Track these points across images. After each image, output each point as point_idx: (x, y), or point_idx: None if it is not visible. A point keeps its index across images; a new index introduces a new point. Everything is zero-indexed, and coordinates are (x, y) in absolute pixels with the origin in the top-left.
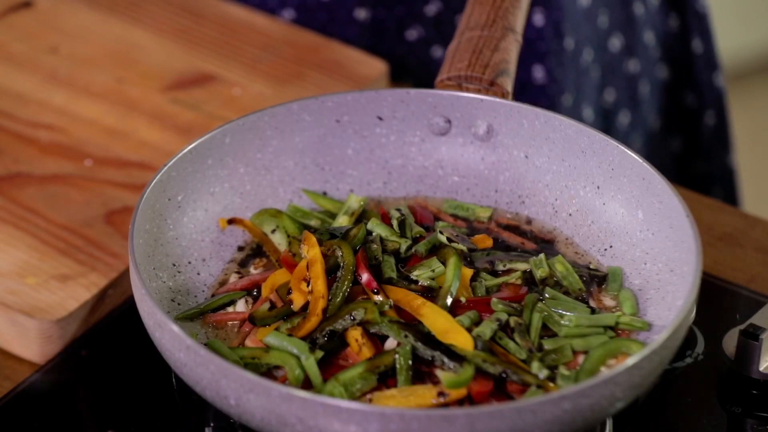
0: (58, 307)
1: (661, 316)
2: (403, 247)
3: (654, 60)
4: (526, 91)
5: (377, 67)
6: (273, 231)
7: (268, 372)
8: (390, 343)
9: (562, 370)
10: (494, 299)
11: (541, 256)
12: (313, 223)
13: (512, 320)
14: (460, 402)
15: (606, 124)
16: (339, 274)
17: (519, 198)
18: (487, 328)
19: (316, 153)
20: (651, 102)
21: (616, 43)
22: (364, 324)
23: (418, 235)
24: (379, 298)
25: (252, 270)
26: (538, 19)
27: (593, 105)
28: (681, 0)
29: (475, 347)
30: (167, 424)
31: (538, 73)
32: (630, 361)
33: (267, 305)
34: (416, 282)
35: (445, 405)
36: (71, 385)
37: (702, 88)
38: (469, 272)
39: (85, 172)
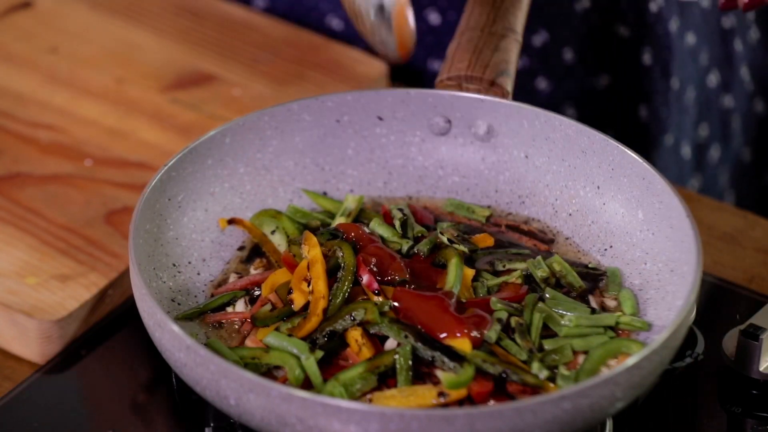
0: (58, 307)
1: (661, 316)
2: (405, 248)
3: (748, 94)
4: (628, 130)
5: (377, 67)
6: (273, 232)
7: (268, 372)
8: (390, 344)
9: (562, 370)
10: (493, 298)
11: (539, 257)
12: (313, 223)
13: (513, 320)
14: (460, 402)
15: (698, 158)
16: (340, 274)
17: (519, 198)
18: (492, 332)
19: (316, 153)
20: (742, 135)
21: (713, 79)
22: (364, 324)
23: (419, 235)
24: (379, 298)
25: (252, 270)
26: (647, 58)
27: (690, 142)
28: None
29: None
30: (167, 424)
31: (643, 111)
32: (630, 361)
33: (269, 306)
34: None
35: (445, 405)
36: (71, 385)
37: None
38: (470, 273)
39: (85, 172)
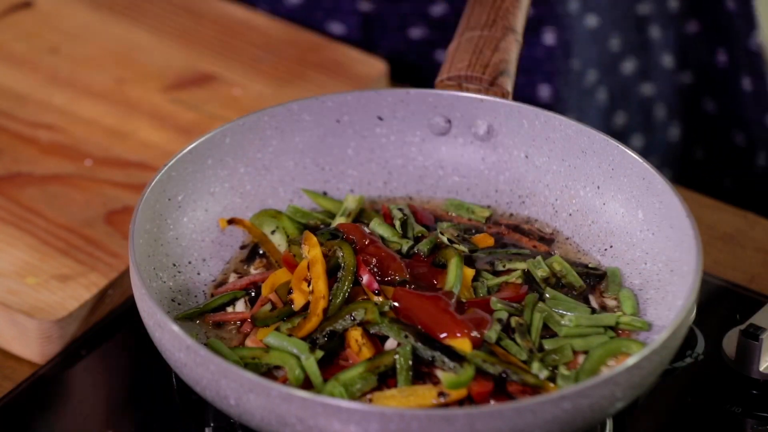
0: (58, 307)
1: (661, 316)
2: (405, 248)
3: (679, 84)
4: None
5: (377, 67)
6: (273, 232)
7: (268, 372)
8: (390, 344)
9: (562, 370)
10: (493, 298)
11: (539, 257)
12: (313, 223)
13: (513, 320)
14: (460, 402)
15: None
16: (340, 274)
17: (519, 198)
18: (492, 332)
19: (316, 153)
20: (672, 125)
21: (629, 66)
22: (364, 324)
23: (419, 235)
24: (379, 298)
25: (252, 270)
26: (549, 38)
27: (597, 127)
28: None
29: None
30: (167, 424)
31: (544, 92)
32: (630, 361)
33: (269, 306)
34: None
35: (445, 405)
36: (71, 385)
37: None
38: (470, 273)
39: (85, 172)
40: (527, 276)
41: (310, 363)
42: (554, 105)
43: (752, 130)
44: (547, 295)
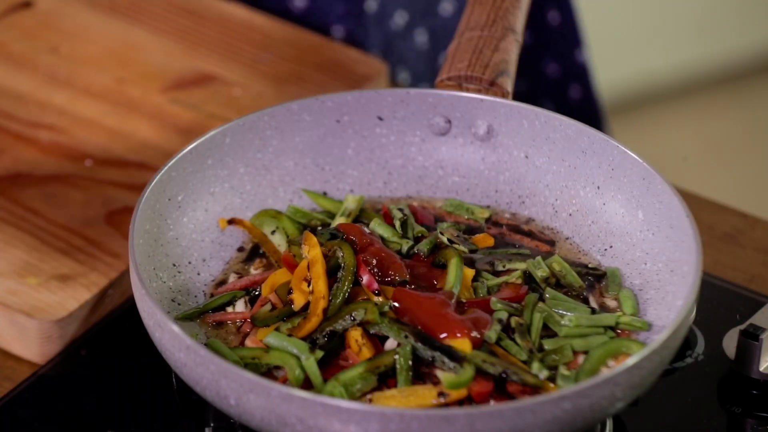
0: (58, 307)
1: (661, 316)
2: (405, 248)
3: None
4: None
5: (377, 67)
6: (273, 232)
7: (268, 372)
8: (390, 344)
9: (562, 370)
10: (493, 299)
11: (539, 258)
12: (313, 223)
13: (513, 320)
14: (460, 402)
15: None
16: (340, 274)
17: (519, 198)
18: (492, 332)
19: (316, 153)
20: None
21: (447, 7)
22: (364, 324)
23: (419, 235)
24: (379, 298)
25: (252, 270)
26: None
27: (422, 69)
28: None
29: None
30: (167, 424)
31: (338, 33)
32: (630, 361)
33: (268, 306)
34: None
35: (445, 405)
36: (71, 385)
37: None
38: (470, 273)
39: (85, 172)
40: (527, 276)
41: (310, 363)
42: (351, 44)
43: (564, 63)
44: (547, 295)
